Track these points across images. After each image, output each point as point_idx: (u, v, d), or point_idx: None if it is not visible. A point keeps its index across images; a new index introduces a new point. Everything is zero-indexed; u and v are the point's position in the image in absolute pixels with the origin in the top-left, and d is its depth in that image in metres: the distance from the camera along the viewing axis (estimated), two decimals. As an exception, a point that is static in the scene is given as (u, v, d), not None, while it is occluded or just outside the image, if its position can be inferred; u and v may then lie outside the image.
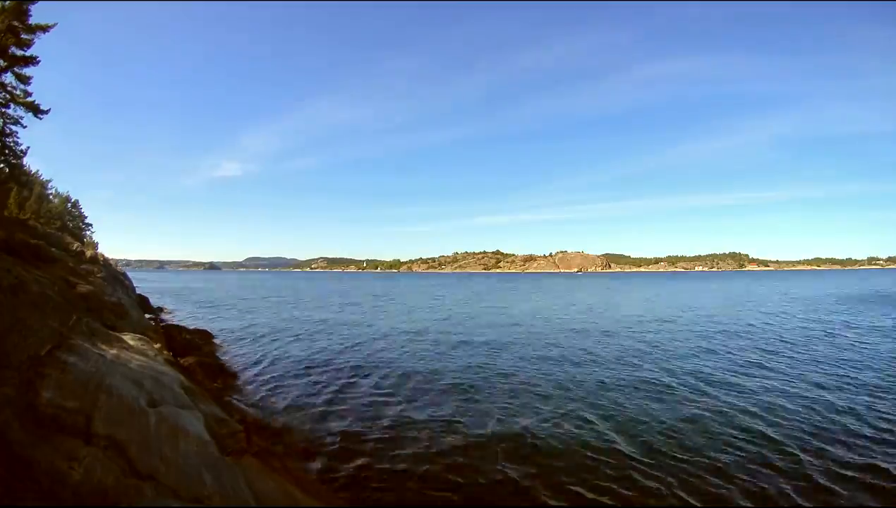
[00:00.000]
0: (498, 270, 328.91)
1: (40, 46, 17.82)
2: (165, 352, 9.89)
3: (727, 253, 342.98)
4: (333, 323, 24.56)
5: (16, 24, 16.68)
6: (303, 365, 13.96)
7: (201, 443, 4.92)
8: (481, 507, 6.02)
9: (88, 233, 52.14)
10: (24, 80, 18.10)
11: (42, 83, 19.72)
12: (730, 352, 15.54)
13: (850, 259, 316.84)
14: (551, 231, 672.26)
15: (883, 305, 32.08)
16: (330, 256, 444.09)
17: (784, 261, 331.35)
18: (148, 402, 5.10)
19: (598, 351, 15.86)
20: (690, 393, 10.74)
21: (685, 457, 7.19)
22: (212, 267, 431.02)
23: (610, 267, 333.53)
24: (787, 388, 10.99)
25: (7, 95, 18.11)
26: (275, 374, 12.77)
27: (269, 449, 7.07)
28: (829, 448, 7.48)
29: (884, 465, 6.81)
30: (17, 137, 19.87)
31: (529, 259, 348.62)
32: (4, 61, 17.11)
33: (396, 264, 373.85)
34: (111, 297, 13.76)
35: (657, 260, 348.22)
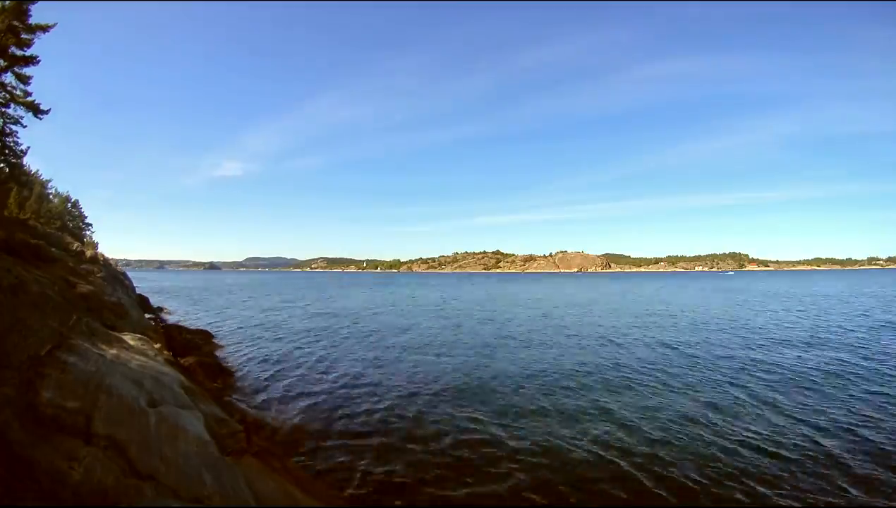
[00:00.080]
0: (498, 270, 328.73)
1: (40, 46, 17.81)
2: (165, 352, 9.89)
3: (727, 253, 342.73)
4: (334, 324, 24.55)
5: (16, 24, 16.65)
6: (303, 365, 13.97)
7: (201, 443, 4.92)
8: None
9: (88, 232, 52.11)
10: (24, 79, 18.07)
11: (42, 83, 19.72)
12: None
13: (850, 259, 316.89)
14: (551, 231, 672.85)
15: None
16: (330, 256, 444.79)
17: (784, 261, 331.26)
18: (148, 402, 5.10)
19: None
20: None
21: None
22: (212, 267, 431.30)
23: (610, 267, 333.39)
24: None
25: (7, 95, 18.08)
26: (275, 374, 12.76)
27: (269, 449, 7.07)
28: None
29: None
30: (17, 137, 19.84)
31: (529, 259, 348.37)
32: (4, 61, 17.08)
33: (396, 264, 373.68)
34: (111, 297, 13.75)
35: (657, 261, 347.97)
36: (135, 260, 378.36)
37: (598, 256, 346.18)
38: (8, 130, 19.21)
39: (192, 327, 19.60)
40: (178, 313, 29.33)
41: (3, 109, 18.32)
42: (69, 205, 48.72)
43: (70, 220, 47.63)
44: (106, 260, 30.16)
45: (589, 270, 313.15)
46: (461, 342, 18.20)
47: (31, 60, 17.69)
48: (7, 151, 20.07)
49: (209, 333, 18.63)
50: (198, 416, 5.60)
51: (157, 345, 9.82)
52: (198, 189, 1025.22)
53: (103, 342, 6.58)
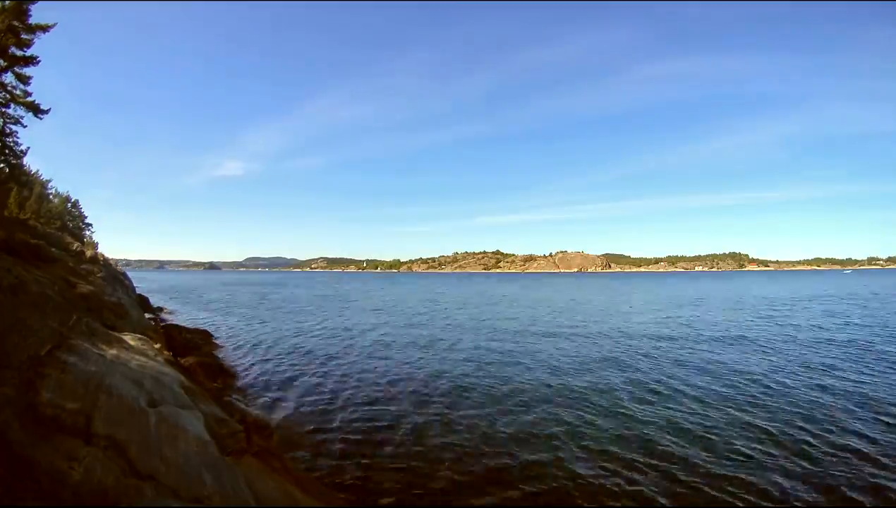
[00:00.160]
0: (498, 270, 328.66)
1: (40, 46, 17.82)
2: (165, 352, 9.88)
3: (727, 253, 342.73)
4: (335, 325, 24.55)
5: (16, 24, 16.66)
6: (304, 365, 13.96)
7: (201, 443, 4.91)
8: (483, 507, 6.03)
9: (88, 232, 52.16)
10: (24, 79, 18.08)
11: (42, 83, 19.72)
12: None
13: (850, 259, 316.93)
14: (551, 231, 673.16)
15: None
16: (330, 256, 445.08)
17: (784, 261, 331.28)
18: (148, 402, 5.09)
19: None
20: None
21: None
22: (212, 266, 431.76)
23: (610, 267, 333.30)
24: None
25: (7, 95, 18.08)
26: (276, 374, 12.77)
27: (269, 449, 7.05)
28: None
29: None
30: (17, 137, 19.87)
31: (529, 259, 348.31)
32: (4, 61, 17.08)
33: (396, 264, 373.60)
34: (111, 297, 13.75)
35: (657, 261, 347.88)
36: (135, 260, 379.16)
37: (598, 256, 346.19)
38: (8, 130, 19.22)
39: (191, 327, 19.60)
40: (179, 313, 29.33)
41: (4, 109, 18.33)
42: (69, 205, 48.75)
43: (70, 220, 47.65)
44: (106, 260, 30.19)
45: (589, 270, 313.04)
46: (463, 342, 18.19)
47: (31, 60, 17.70)
48: (7, 151, 20.08)
49: (209, 333, 18.63)
50: (198, 416, 5.59)
51: (157, 345, 9.81)
52: (198, 189, 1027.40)
53: (103, 342, 6.57)
